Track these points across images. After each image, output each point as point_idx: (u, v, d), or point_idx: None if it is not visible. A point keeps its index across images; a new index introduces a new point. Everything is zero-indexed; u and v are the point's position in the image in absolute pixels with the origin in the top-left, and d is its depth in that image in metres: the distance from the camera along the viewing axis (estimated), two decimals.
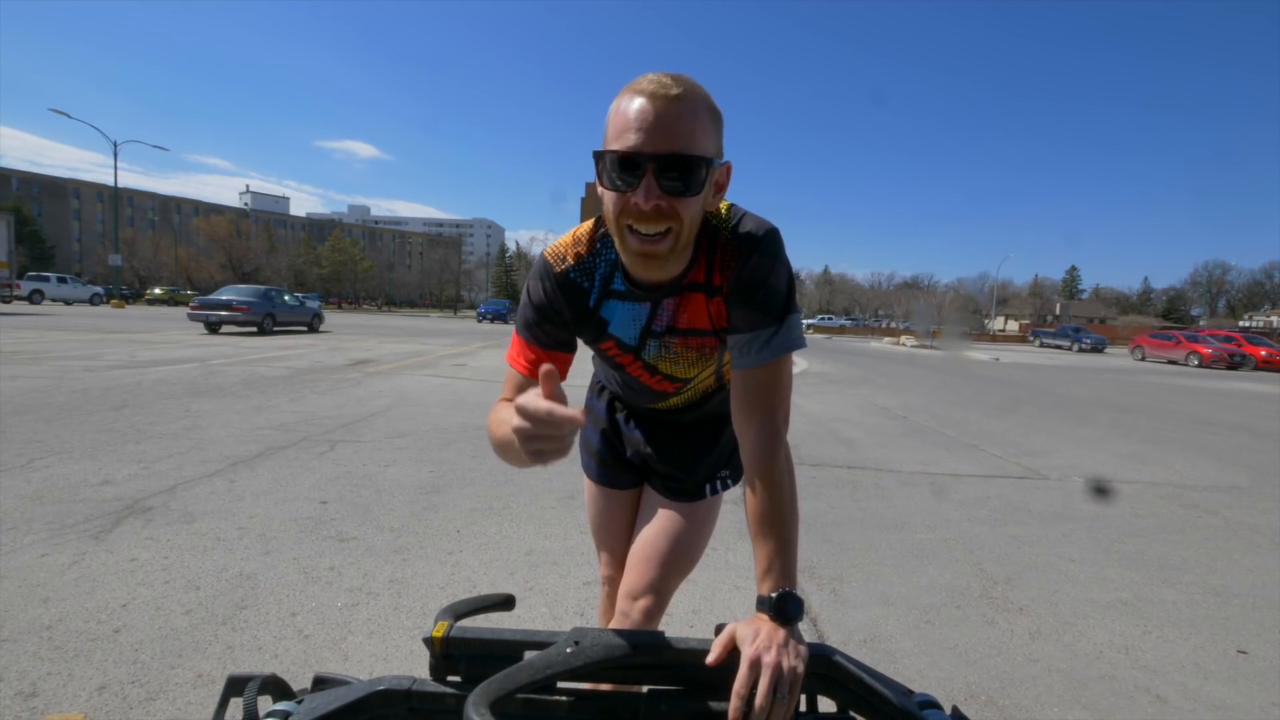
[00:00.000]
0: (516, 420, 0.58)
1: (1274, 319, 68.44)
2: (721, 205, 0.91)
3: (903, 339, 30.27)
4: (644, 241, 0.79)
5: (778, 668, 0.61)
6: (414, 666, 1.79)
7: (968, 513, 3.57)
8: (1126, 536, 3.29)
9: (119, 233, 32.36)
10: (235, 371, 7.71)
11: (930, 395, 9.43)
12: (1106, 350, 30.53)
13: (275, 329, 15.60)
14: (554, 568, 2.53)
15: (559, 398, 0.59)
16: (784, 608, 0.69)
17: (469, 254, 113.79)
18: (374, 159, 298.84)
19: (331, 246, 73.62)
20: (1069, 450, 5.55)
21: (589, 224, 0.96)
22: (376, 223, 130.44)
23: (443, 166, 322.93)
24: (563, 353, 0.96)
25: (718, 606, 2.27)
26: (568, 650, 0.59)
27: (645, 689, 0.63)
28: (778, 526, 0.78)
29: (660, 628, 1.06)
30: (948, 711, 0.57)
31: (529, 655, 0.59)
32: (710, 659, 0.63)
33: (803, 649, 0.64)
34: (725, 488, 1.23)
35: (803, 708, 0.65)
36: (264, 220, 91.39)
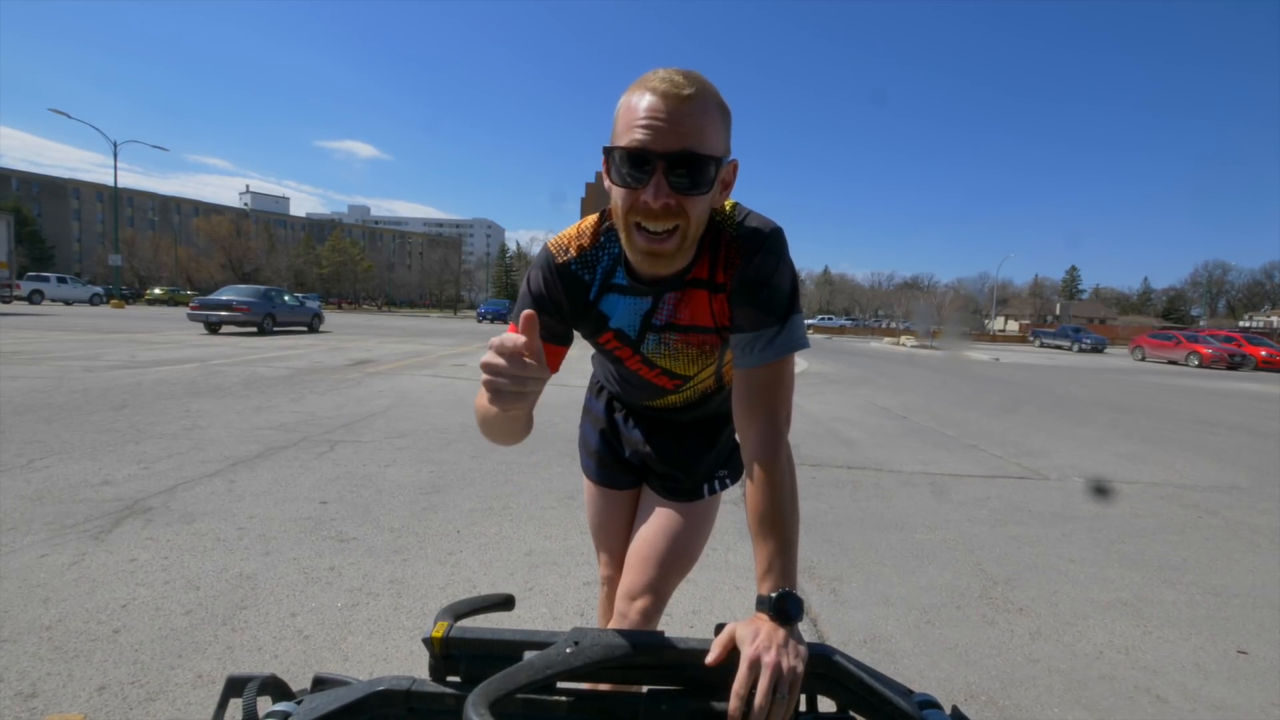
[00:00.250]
0: (488, 355, 0.62)
1: (1274, 319, 68.44)
2: (726, 203, 0.91)
3: (903, 339, 30.26)
4: (651, 240, 0.79)
5: (777, 667, 0.61)
6: (414, 667, 1.79)
7: (968, 513, 3.57)
8: (1126, 536, 3.29)
9: (119, 233, 32.36)
10: (235, 372, 7.71)
11: (930, 395, 9.43)
12: (1106, 350, 30.53)
13: (275, 329, 15.59)
14: (554, 568, 2.53)
15: (534, 350, 0.63)
16: (784, 608, 0.69)
17: (469, 254, 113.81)
18: (374, 159, 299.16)
19: (331, 246, 73.64)
20: (1069, 450, 5.55)
21: (593, 217, 0.96)
22: (376, 223, 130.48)
23: (443, 166, 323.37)
24: (557, 345, 0.96)
25: (717, 606, 2.27)
26: (567, 650, 0.59)
27: (645, 689, 0.63)
28: (778, 526, 0.78)
29: (660, 628, 1.06)
30: (948, 711, 0.57)
31: (529, 655, 0.59)
32: (710, 659, 0.63)
33: (802, 649, 0.64)
34: (723, 487, 1.23)
35: (803, 708, 0.65)
36: (264, 220, 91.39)
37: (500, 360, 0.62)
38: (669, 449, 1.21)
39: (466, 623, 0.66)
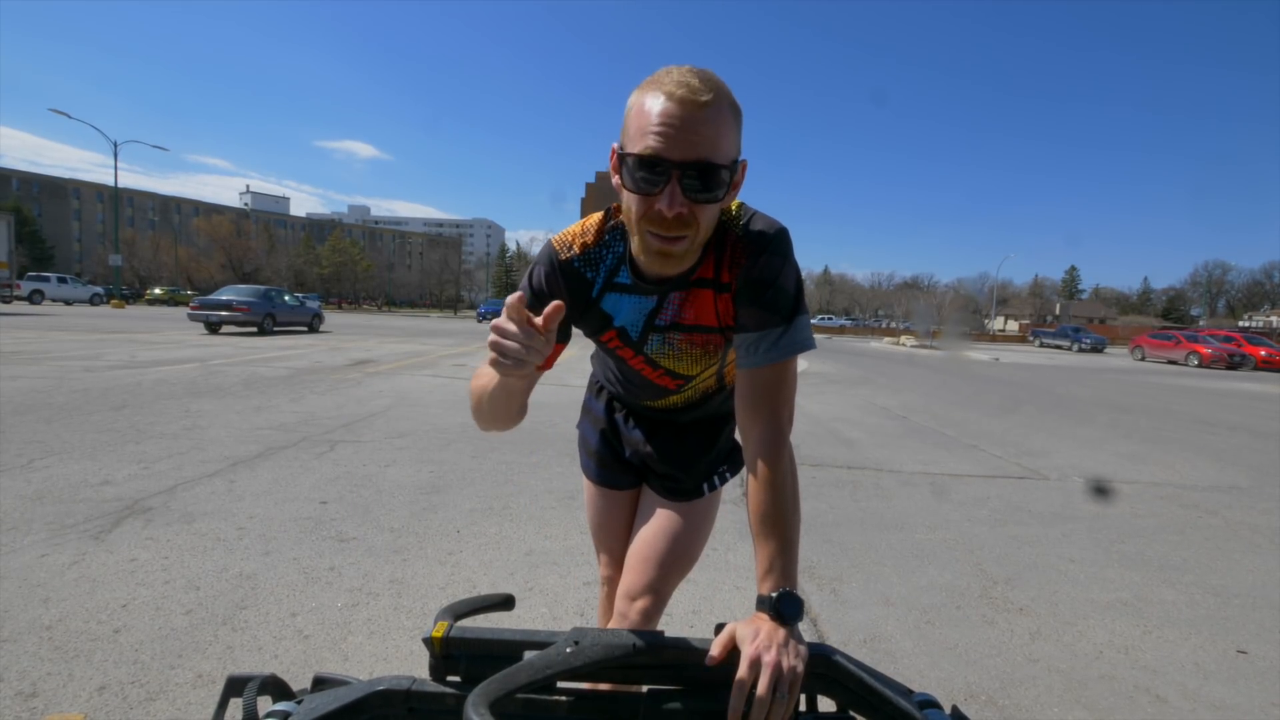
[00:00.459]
0: (500, 319, 0.64)
1: (1274, 319, 68.43)
2: (732, 203, 0.91)
3: (903, 339, 30.26)
4: (663, 242, 0.80)
5: (777, 667, 0.61)
6: (414, 666, 1.79)
7: (968, 513, 3.57)
8: (1126, 536, 3.29)
9: (119, 233, 32.35)
10: (235, 372, 7.71)
11: (930, 395, 9.43)
12: (1106, 350, 30.53)
13: (275, 329, 15.59)
14: (554, 568, 2.53)
15: (546, 323, 0.64)
16: (784, 607, 0.69)
17: (469, 254, 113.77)
18: (374, 159, 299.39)
19: (331, 246, 73.62)
20: (1069, 450, 5.55)
21: (598, 215, 0.96)
22: (376, 223, 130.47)
23: (443, 166, 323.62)
24: (555, 342, 0.96)
25: (717, 606, 2.27)
26: (567, 650, 0.59)
27: (645, 689, 0.63)
28: (780, 526, 0.78)
29: (660, 627, 1.06)
30: (947, 711, 0.57)
31: (529, 655, 0.59)
32: (710, 658, 0.63)
33: (803, 649, 0.64)
34: (723, 482, 1.24)
35: (803, 707, 0.65)
36: (264, 220, 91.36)
37: (511, 325, 0.63)
38: (669, 449, 1.21)
39: (466, 623, 0.66)
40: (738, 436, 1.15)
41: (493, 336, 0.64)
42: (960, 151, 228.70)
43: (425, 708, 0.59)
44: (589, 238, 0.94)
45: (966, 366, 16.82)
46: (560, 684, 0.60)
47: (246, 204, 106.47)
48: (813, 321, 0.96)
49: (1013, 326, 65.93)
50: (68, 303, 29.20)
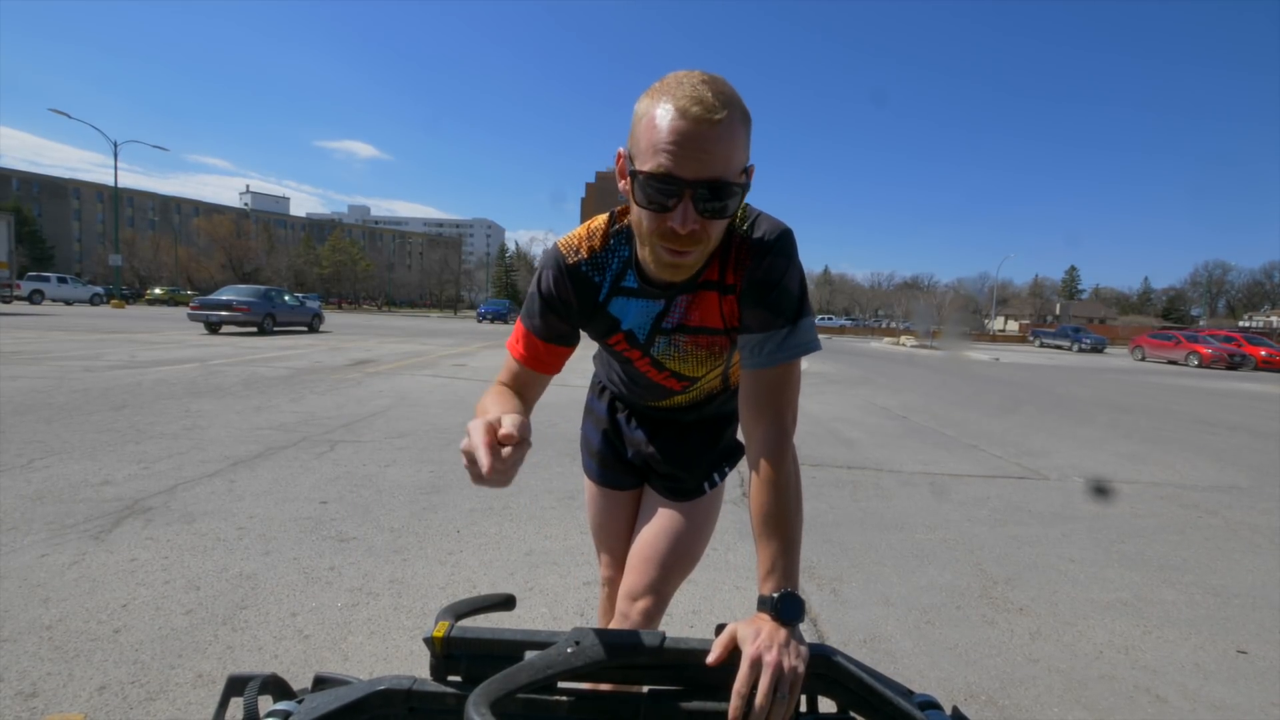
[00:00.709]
0: (468, 444, 0.64)
1: (1274, 319, 68.42)
2: None
3: (903, 339, 30.26)
4: (675, 255, 0.79)
5: (778, 667, 0.61)
6: (414, 666, 1.79)
7: (968, 513, 3.57)
8: (1126, 536, 3.29)
9: (119, 233, 32.33)
10: (235, 371, 7.71)
11: (930, 395, 9.43)
12: (1106, 350, 30.53)
13: (275, 329, 15.59)
14: (554, 568, 2.53)
15: (517, 439, 0.63)
16: (786, 608, 0.69)
17: (469, 254, 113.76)
18: (374, 159, 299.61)
19: (331, 246, 73.60)
20: (1069, 450, 5.55)
21: (603, 218, 0.96)
22: (376, 223, 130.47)
23: (443, 166, 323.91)
24: (561, 346, 0.96)
25: (718, 606, 2.27)
26: (568, 650, 0.59)
27: (646, 689, 0.63)
28: (782, 527, 0.78)
29: (660, 628, 1.06)
30: (948, 712, 0.57)
31: (529, 655, 0.59)
32: (711, 659, 0.63)
33: (803, 649, 0.64)
34: (722, 477, 1.24)
35: (803, 708, 0.65)
36: (264, 220, 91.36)
37: (478, 454, 0.62)
38: (672, 449, 1.21)
39: (467, 622, 0.66)
40: (739, 436, 1.15)
41: (464, 459, 0.64)
42: (960, 151, 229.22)
43: (426, 707, 0.59)
44: (595, 241, 0.94)
45: (966, 366, 16.82)
46: (561, 684, 0.60)
47: (246, 204, 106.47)
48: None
49: (1013, 326, 65.94)
50: (68, 303, 29.19)
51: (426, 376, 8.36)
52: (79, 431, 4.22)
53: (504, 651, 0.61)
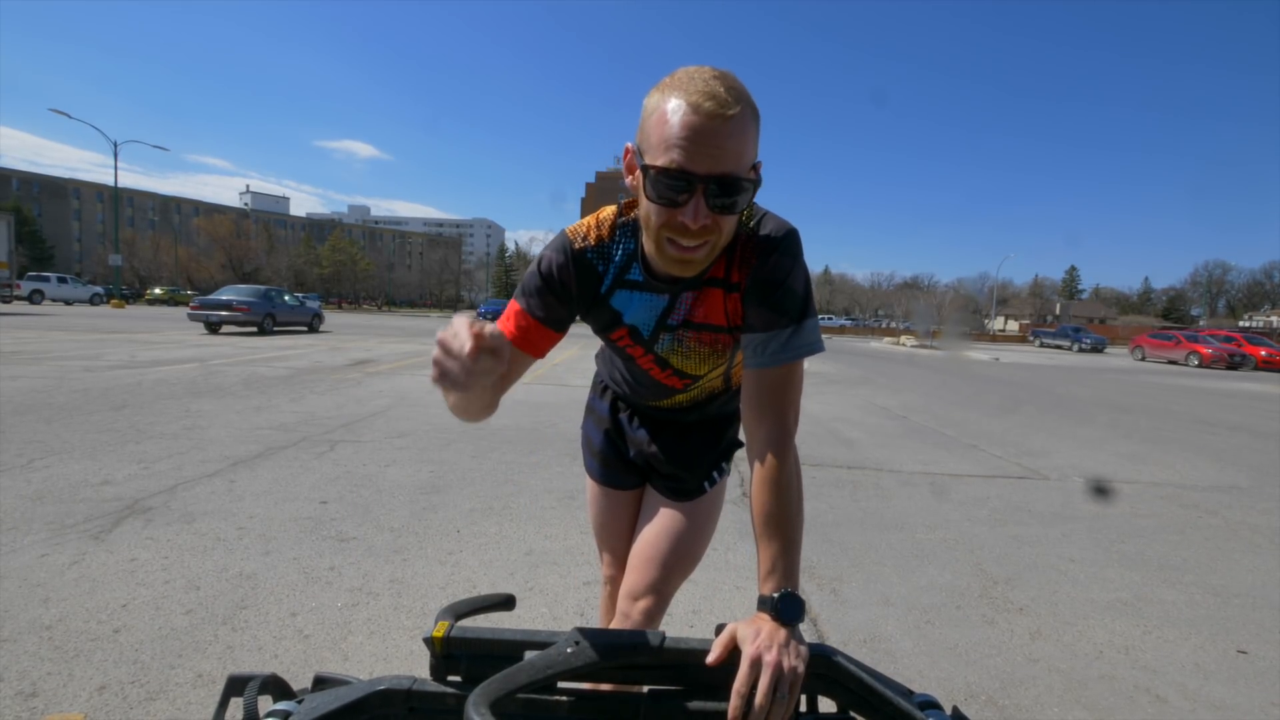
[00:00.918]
0: (447, 333, 0.57)
1: (1274, 319, 68.44)
2: None
3: (903, 339, 30.27)
4: (683, 250, 0.79)
5: (778, 667, 0.61)
6: (414, 666, 1.79)
7: (968, 513, 3.57)
8: (1126, 536, 3.29)
9: (119, 233, 32.35)
10: (235, 371, 7.71)
11: (930, 395, 9.43)
12: (1106, 350, 30.53)
13: (275, 329, 15.59)
14: (554, 568, 2.53)
15: (492, 346, 0.57)
16: (786, 608, 0.69)
17: (469, 254, 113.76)
18: (374, 159, 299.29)
19: (331, 246, 73.59)
20: (1069, 450, 5.55)
21: (612, 209, 0.96)
22: (376, 223, 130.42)
23: (443, 166, 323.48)
24: (552, 330, 0.94)
25: (718, 606, 2.27)
26: (568, 650, 0.59)
27: (646, 689, 0.63)
28: (783, 527, 0.78)
29: (660, 628, 1.06)
30: (948, 712, 0.57)
31: (529, 655, 0.59)
32: (711, 659, 0.63)
33: (803, 649, 0.64)
34: (721, 475, 1.24)
35: (803, 708, 0.65)
36: (264, 220, 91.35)
37: (456, 343, 0.56)
38: (674, 449, 1.21)
39: (467, 622, 0.66)
40: (740, 435, 1.15)
41: (436, 351, 0.57)
42: (960, 151, 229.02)
43: (426, 707, 0.59)
44: (603, 231, 0.94)
45: (966, 366, 16.82)
46: (561, 684, 0.60)
47: (246, 204, 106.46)
48: None
49: (1013, 326, 65.93)
50: (68, 303, 29.20)
51: (426, 376, 8.34)
52: (79, 431, 4.22)
53: (504, 651, 0.61)
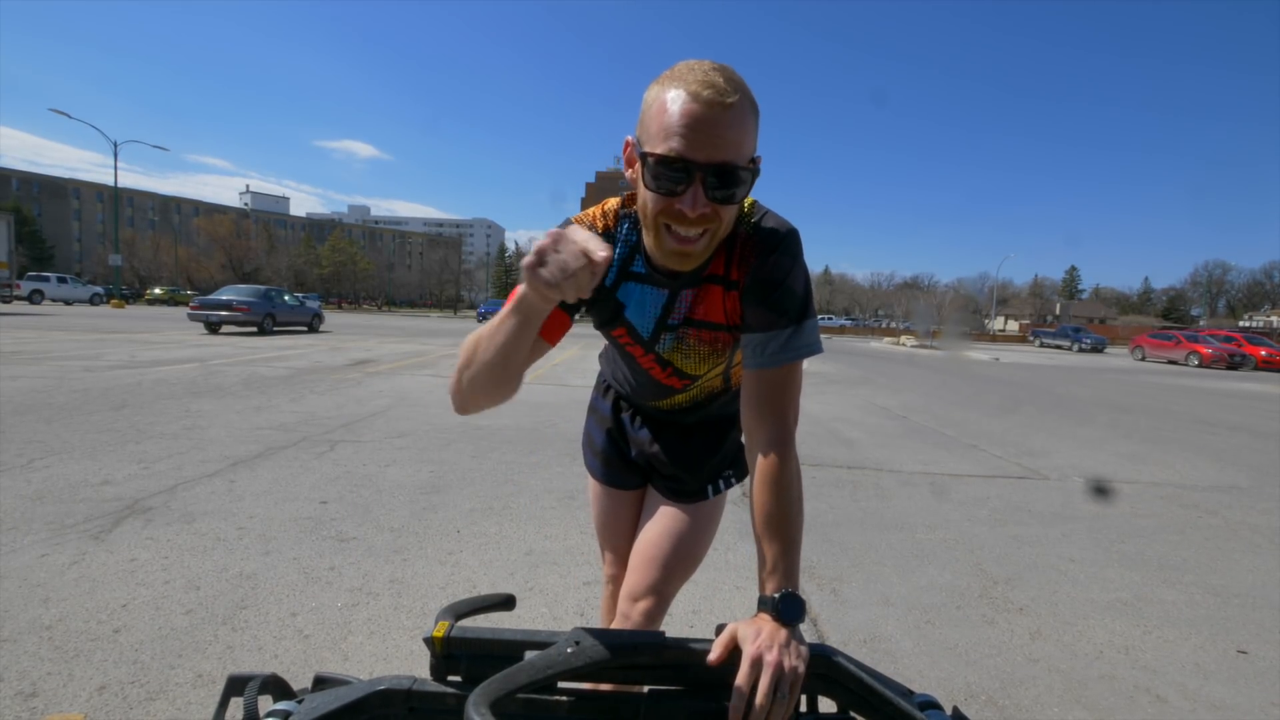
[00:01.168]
0: (551, 240, 0.66)
1: (1274, 319, 68.44)
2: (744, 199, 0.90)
3: (903, 339, 30.27)
4: (681, 241, 0.79)
5: (779, 667, 0.61)
6: (414, 666, 1.79)
7: (968, 513, 3.57)
8: (1126, 536, 3.29)
9: (119, 233, 32.35)
10: (235, 371, 7.71)
11: (930, 395, 9.43)
12: (1106, 350, 30.53)
13: (275, 329, 15.59)
14: (554, 568, 2.53)
15: (603, 271, 0.66)
16: (786, 608, 0.69)
17: (469, 254, 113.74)
18: (373, 159, 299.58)
19: (331, 246, 73.56)
20: (1069, 450, 5.55)
21: (615, 200, 0.96)
22: (376, 223, 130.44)
23: (443, 166, 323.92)
24: (563, 312, 0.92)
25: (718, 606, 2.27)
26: (568, 650, 0.59)
27: (646, 689, 0.63)
28: (784, 528, 0.78)
29: (661, 628, 1.06)
30: (948, 712, 0.57)
31: (530, 655, 0.59)
32: (711, 659, 0.63)
33: (804, 649, 0.63)
34: (728, 486, 1.23)
35: (803, 708, 0.65)
36: (264, 220, 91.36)
37: (571, 243, 0.65)
38: (675, 450, 1.20)
39: (467, 622, 0.66)
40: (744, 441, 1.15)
41: (545, 241, 0.65)
42: (960, 151, 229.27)
43: (426, 707, 0.59)
44: (609, 221, 0.94)
45: (966, 366, 16.82)
46: (561, 684, 0.60)
47: (246, 204, 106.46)
48: None
49: (1013, 326, 65.93)
50: (68, 303, 29.19)
51: (426, 376, 8.36)
52: (79, 431, 4.22)
53: (504, 651, 0.61)
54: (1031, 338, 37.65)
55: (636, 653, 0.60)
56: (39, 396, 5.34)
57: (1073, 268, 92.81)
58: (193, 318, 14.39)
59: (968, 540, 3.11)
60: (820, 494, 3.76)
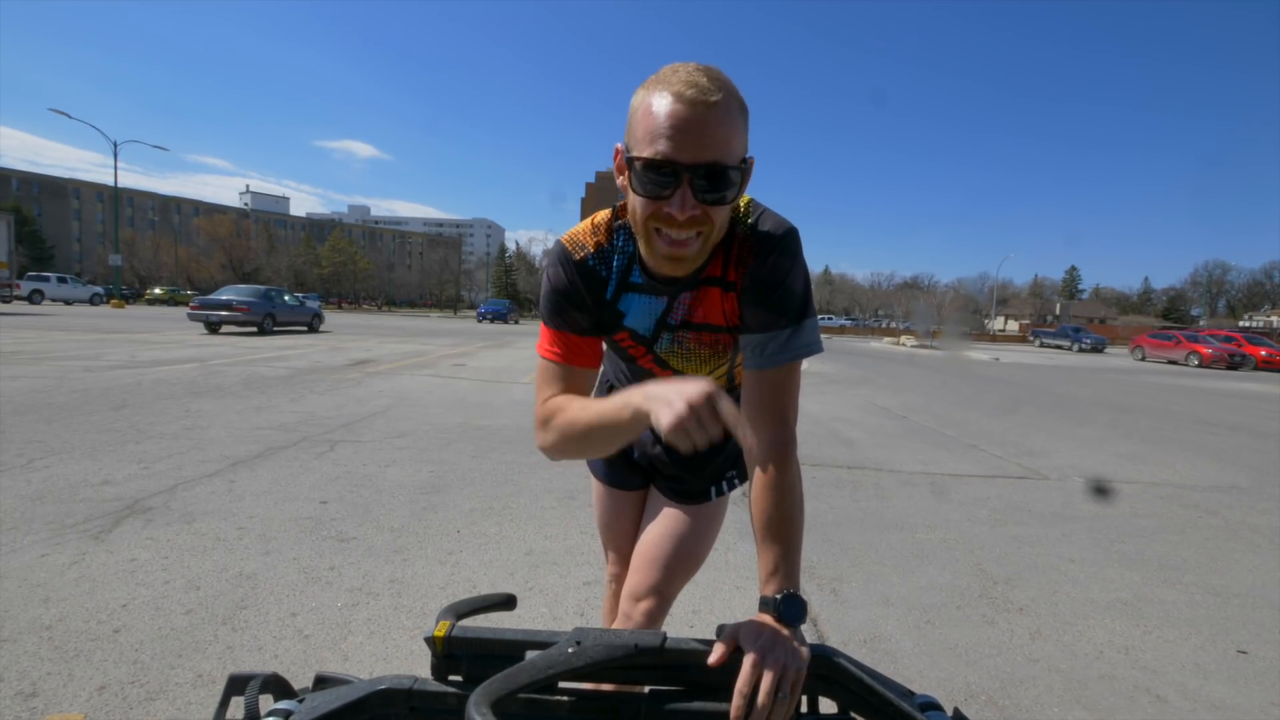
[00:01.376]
0: (704, 404, 0.62)
1: (1274, 319, 68.45)
2: (741, 199, 0.89)
3: (903, 339, 30.27)
4: (673, 245, 0.78)
5: (779, 668, 0.61)
6: (414, 666, 1.79)
7: (968, 513, 3.57)
8: (1126, 536, 3.29)
9: (119, 233, 32.34)
10: (235, 371, 7.71)
11: (930, 395, 9.43)
12: (1106, 350, 30.53)
13: (275, 329, 15.59)
14: (554, 568, 2.53)
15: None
16: (787, 609, 0.69)
17: (469, 254, 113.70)
18: (373, 159, 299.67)
19: (331, 246, 73.53)
20: (1069, 450, 5.55)
21: (606, 213, 0.95)
22: (376, 223, 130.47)
23: (443, 166, 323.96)
24: (594, 336, 0.94)
25: (718, 607, 2.27)
26: (569, 650, 0.59)
27: (647, 689, 0.63)
28: (785, 529, 0.78)
29: (662, 628, 1.06)
30: (949, 713, 0.57)
31: (530, 655, 0.59)
32: (712, 659, 0.63)
33: (804, 650, 0.63)
34: (731, 488, 1.23)
35: (804, 709, 0.65)
36: (264, 220, 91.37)
37: (716, 415, 0.62)
38: (677, 451, 1.20)
39: (468, 622, 0.66)
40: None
41: (686, 417, 0.62)
42: (960, 151, 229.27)
43: (427, 707, 0.59)
44: (600, 236, 0.93)
45: (966, 366, 16.82)
46: (562, 684, 0.60)
47: (246, 204, 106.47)
48: None
49: (1013, 326, 65.92)
50: (68, 303, 29.18)
51: (426, 376, 8.36)
52: (79, 431, 4.22)
53: (505, 651, 0.61)
54: (1031, 338, 37.66)
55: (637, 653, 0.60)
56: (39, 396, 5.34)
57: (1073, 268, 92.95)
58: (193, 318, 14.39)
59: (968, 540, 3.11)
60: (820, 494, 3.76)
